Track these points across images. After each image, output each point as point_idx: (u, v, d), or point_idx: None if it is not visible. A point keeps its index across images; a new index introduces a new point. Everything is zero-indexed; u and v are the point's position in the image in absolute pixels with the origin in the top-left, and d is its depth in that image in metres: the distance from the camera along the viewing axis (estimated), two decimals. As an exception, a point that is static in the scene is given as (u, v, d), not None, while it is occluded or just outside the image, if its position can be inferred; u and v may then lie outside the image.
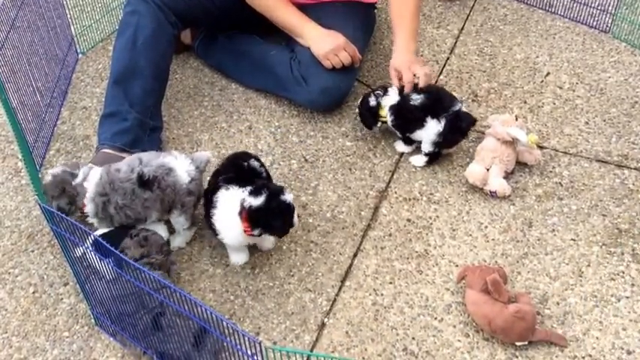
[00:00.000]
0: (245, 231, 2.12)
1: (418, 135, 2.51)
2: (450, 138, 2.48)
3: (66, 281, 2.26)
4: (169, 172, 2.19)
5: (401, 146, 2.60)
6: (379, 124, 2.58)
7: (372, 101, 2.53)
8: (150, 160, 2.20)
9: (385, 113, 2.53)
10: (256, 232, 2.11)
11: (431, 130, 2.46)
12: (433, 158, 2.54)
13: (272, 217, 2.10)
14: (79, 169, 2.26)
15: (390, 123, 2.54)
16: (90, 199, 2.20)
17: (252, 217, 2.09)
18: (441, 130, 2.45)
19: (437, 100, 2.48)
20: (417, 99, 2.47)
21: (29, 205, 2.49)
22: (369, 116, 2.56)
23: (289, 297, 2.20)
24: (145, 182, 2.16)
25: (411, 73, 2.50)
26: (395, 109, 2.51)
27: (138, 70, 2.53)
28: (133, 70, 2.53)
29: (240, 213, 2.10)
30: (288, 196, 2.11)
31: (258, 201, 2.08)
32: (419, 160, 2.55)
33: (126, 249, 2.09)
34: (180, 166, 2.21)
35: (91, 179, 2.21)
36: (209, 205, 2.19)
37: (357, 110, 2.64)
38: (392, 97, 2.52)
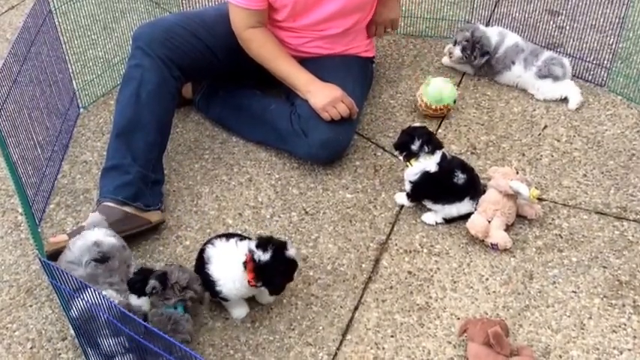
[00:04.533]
0: (249, 282, 2.13)
1: (442, 207, 2.52)
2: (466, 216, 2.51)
3: (64, 336, 2.24)
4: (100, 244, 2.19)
5: (401, 198, 2.60)
6: (403, 161, 2.55)
7: (415, 147, 2.48)
8: (74, 244, 2.20)
9: (414, 165, 2.50)
10: (259, 284, 2.14)
11: (464, 208, 2.49)
12: (449, 222, 2.54)
13: (275, 273, 2.13)
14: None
15: (412, 181, 2.52)
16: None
17: (259, 271, 2.11)
18: (474, 211, 2.48)
19: (474, 181, 2.51)
20: (461, 178, 2.47)
21: (28, 259, 2.48)
22: (402, 151, 2.52)
23: (290, 351, 2.18)
24: (102, 259, 2.17)
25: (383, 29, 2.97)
26: (427, 177, 2.48)
27: (141, 124, 2.55)
28: (136, 123, 2.55)
29: (246, 263, 2.12)
30: (292, 251, 2.14)
31: (266, 256, 2.10)
32: (431, 218, 2.55)
33: (169, 272, 2.10)
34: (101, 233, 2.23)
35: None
36: (202, 265, 2.21)
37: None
38: (432, 162, 2.48)
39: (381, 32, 2.99)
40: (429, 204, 2.54)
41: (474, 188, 2.51)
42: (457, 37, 3.12)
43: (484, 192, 2.51)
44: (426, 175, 2.48)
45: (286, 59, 2.74)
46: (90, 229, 2.23)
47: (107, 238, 2.21)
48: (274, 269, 2.11)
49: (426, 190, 2.52)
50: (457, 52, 3.10)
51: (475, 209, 2.49)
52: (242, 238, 2.21)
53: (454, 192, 2.49)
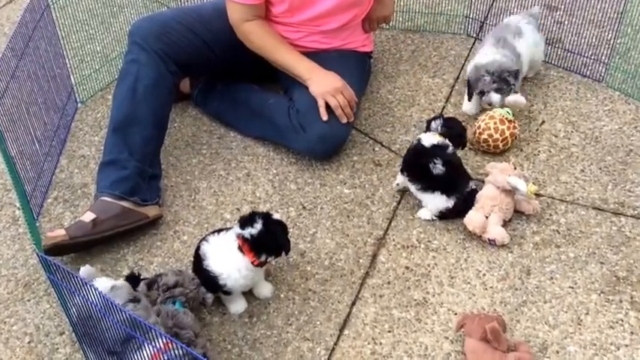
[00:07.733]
0: (252, 262, 2.14)
1: (421, 194, 2.51)
2: (454, 214, 2.50)
3: (62, 330, 2.25)
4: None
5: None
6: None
7: (435, 124, 2.52)
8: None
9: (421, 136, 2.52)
10: (263, 258, 2.16)
11: (439, 202, 2.48)
12: (442, 217, 2.53)
13: (273, 237, 2.15)
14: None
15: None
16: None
17: (256, 245, 2.13)
18: (450, 207, 2.47)
19: (451, 178, 2.47)
20: (440, 170, 2.44)
21: (26, 253, 2.49)
22: (426, 126, 2.58)
23: (287, 346, 2.19)
24: (135, 299, 2.09)
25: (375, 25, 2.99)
26: (417, 148, 2.49)
27: (138, 119, 2.55)
28: (133, 118, 2.55)
29: (241, 247, 2.14)
30: (277, 215, 2.19)
31: (255, 228, 2.13)
32: (427, 214, 2.54)
33: (163, 275, 2.16)
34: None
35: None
36: (199, 263, 2.21)
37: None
38: (430, 139, 2.48)
39: (374, 28, 3.00)
40: (411, 187, 2.52)
41: (448, 184, 2.46)
42: (481, 88, 2.77)
43: (480, 189, 2.51)
44: (418, 144, 2.48)
45: (287, 49, 2.74)
46: (92, 280, 2.12)
47: (114, 282, 2.11)
48: (270, 234, 2.14)
49: (409, 162, 2.52)
50: (495, 98, 2.76)
51: (449, 207, 2.47)
52: (227, 229, 2.22)
53: (427, 178, 2.46)
